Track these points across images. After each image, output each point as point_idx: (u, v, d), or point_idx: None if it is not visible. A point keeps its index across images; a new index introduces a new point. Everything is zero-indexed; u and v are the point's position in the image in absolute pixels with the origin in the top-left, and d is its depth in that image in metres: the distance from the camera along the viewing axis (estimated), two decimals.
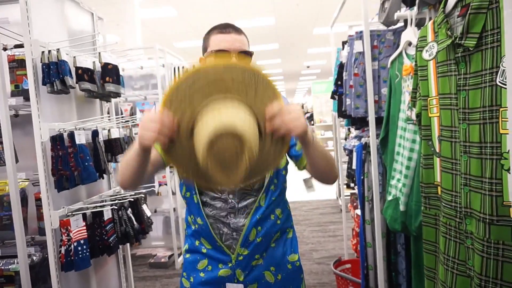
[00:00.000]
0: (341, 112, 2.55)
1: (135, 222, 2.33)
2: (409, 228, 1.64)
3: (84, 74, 2.09)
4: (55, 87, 1.92)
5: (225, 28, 1.20)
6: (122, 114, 3.55)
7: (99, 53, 2.27)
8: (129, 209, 2.34)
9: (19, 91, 2.01)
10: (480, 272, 1.05)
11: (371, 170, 2.06)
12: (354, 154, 2.31)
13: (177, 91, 0.86)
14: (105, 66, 2.24)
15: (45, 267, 1.99)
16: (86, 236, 2.04)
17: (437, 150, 1.27)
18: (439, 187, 1.27)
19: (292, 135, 0.93)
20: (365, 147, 2.18)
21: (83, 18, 2.44)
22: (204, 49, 1.24)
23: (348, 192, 4.48)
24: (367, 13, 1.94)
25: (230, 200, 1.19)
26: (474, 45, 1.05)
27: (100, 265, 2.40)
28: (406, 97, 1.68)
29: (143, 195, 2.49)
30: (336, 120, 3.77)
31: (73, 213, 2.04)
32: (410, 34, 1.68)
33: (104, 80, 2.23)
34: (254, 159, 0.84)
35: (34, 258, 2.01)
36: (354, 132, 3.25)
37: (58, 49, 1.96)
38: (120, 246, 2.47)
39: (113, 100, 2.56)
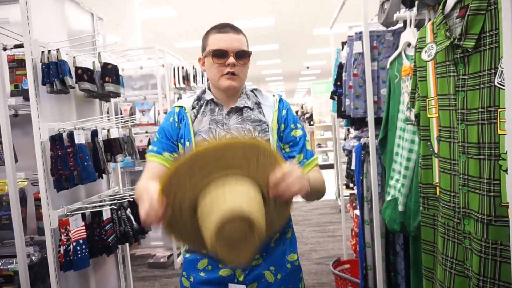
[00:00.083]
0: (341, 113, 2.55)
1: (134, 222, 2.33)
2: (407, 228, 1.65)
3: (83, 74, 2.09)
4: (54, 87, 1.92)
5: (224, 27, 1.20)
6: (121, 114, 3.55)
7: (99, 53, 2.28)
8: (128, 209, 2.34)
9: (19, 91, 2.01)
10: (478, 272, 1.05)
11: (370, 170, 2.06)
12: (353, 154, 2.31)
13: (176, 174, 0.84)
14: (104, 66, 2.24)
15: (44, 267, 1.99)
16: (85, 236, 2.04)
17: (436, 151, 1.27)
18: (437, 188, 1.27)
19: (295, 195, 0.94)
20: (364, 147, 2.18)
21: (83, 18, 2.45)
22: (203, 48, 1.25)
23: (347, 192, 4.49)
24: (367, 14, 1.95)
25: None
26: (473, 46, 1.05)
27: (99, 265, 2.40)
28: (405, 98, 1.68)
29: None
30: (335, 120, 3.77)
31: (72, 213, 2.04)
32: (410, 35, 1.69)
33: (103, 80, 2.23)
34: (264, 236, 0.83)
35: (33, 258, 2.01)
36: (353, 132, 3.25)
37: (58, 49, 1.96)
38: (119, 246, 2.47)
39: (112, 100, 2.56)
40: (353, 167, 2.39)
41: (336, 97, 2.69)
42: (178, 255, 3.72)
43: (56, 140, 1.94)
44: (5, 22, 2.09)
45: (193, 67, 4.07)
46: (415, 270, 1.66)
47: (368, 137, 2.05)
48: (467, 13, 1.06)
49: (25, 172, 2.09)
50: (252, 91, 1.31)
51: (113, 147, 2.33)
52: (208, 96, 1.27)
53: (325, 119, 8.68)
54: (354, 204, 3.52)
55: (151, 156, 1.24)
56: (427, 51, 1.28)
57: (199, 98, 1.30)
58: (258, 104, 1.28)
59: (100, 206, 2.21)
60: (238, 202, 0.81)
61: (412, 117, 1.47)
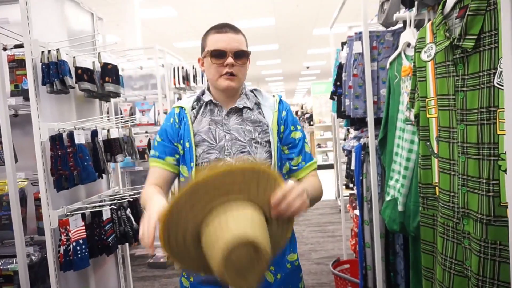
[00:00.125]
0: (340, 113, 2.55)
1: (134, 222, 2.34)
2: (407, 228, 1.65)
3: (83, 74, 2.10)
4: (54, 87, 1.92)
5: (222, 28, 1.20)
6: (121, 114, 3.56)
7: (99, 53, 2.28)
8: (128, 209, 2.34)
9: (19, 91, 2.01)
10: (477, 272, 1.05)
11: (369, 170, 2.06)
12: (353, 154, 2.31)
13: (176, 208, 0.83)
14: (104, 66, 2.24)
15: (44, 267, 1.99)
16: (85, 236, 2.04)
17: (435, 151, 1.27)
18: (437, 188, 1.28)
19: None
20: (364, 147, 2.19)
21: (83, 18, 2.45)
22: (202, 49, 1.25)
23: (347, 192, 4.48)
24: (367, 14, 1.95)
25: None
26: (472, 46, 1.06)
27: (99, 265, 2.40)
28: (404, 98, 1.68)
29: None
30: (335, 120, 3.77)
31: (72, 213, 2.04)
32: (409, 35, 1.69)
33: (103, 80, 2.23)
34: (270, 259, 0.84)
35: (33, 258, 2.01)
36: (353, 132, 3.25)
37: (58, 49, 1.96)
38: (119, 246, 2.47)
39: (112, 100, 2.56)
40: (352, 167, 2.40)
41: (335, 97, 2.69)
42: None
43: (56, 140, 1.94)
44: (5, 22, 2.09)
45: (193, 67, 4.07)
46: (415, 270, 1.66)
47: (367, 137, 2.05)
48: (467, 13, 1.06)
49: (25, 172, 2.09)
50: (252, 91, 1.31)
51: (113, 147, 2.33)
52: (207, 97, 1.27)
53: (325, 119, 8.69)
54: (354, 204, 3.53)
55: (153, 161, 1.25)
56: (427, 51, 1.28)
57: (198, 99, 1.30)
58: (257, 105, 1.28)
59: (100, 206, 2.21)
60: (242, 228, 0.81)
61: (412, 117, 1.47)
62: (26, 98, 1.93)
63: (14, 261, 1.97)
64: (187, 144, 1.21)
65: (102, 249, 2.16)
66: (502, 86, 0.99)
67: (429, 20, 1.60)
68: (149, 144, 3.65)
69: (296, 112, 14.49)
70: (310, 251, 3.90)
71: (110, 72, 2.25)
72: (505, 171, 0.99)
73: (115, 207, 2.25)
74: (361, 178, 2.19)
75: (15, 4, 1.88)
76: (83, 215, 2.08)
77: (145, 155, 3.62)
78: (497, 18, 1.00)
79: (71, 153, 1.96)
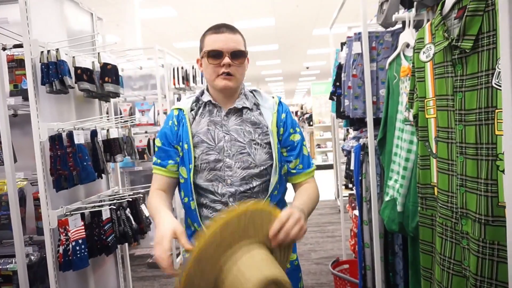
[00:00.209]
0: (340, 113, 2.55)
1: (133, 222, 2.34)
2: (406, 228, 1.65)
3: (83, 74, 2.10)
4: (54, 87, 1.92)
5: (219, 28, 1.21)
6: (121, 114, 3.56)
7: (98, 53, 2.28)
8: (128, 209, 2.34)
9: (18, 91, 2.01)
10: (476, 272, 1.05)
11: (369, 171, 2.07)
12: (353, 155, 2.31)
13: (188, 279, 0.86)
14: (104, 66, 2.24)
15: (43, 266, 1.99)
16: (84, 235, 2.04)
17: (434, 151, 1.27)
18: (435, 188, 1.28)
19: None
20: (363, 148, 2.19)
21: (82, 18, 2.45)
22: (200, 50, 1.25)
23: (346, 192, 4.48)
24: (366, 14, 1.95)
25: (230, 204, 1.19)
26: (471, 47, 1.06)
27: (98, 265, 2.40)
28: (404, 98, 1.68)
29: (141, 195, 2.49)
30: (334, 121, 3.78)
31: (72, 212, 2.04)
32: (408, 36, 1.69)
33: (103, 80, 2.23)
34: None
35: (32, 257, 2.01)
36: (352, 133, 3.25)
37: (57, 49, 1.96)
38: (119, 246, 2.47)
39: (112, 100, 2.56)
40: (352, 167, 2.40)
41: (335, 98, 2.69)
42: (178, 255, 3.72)
43: (55, 140, 1.94)
44: (5, 22, 2.09)
45: (193, 68, 4.08)
46: (414, 270, 1.66)
47: (367, 137, 2.06)
48: (465, 14, 1.07)
49: (24, 172, 2.09)
50: (251, 92, 1.31)
51: (113, 147, 2.33)
52: (206, 97, 1.27)
53: (325, 119, 8.69)
54: (353, 205, 3.53)
55: (155, 169, 1.28)
56: (426, 52, 1.28)
57: (197, 100, 1.30)
58: (257, 105, 1.28)
59: (99, 206, 2.21)
60: (259, 271, 0.85)
61: (411, 118, 1.47)
62: (26, 98, 1.93)
63: (13, 261, 1.97)
64: (185, 146, 1.22)
65: (101, 249, 2.16)
66: (500, 86, 0.99)
67: (428, 20, 1.60)
68: (148, 144, 3.65)
69: (296, 113, 14.49)
70: (310, 251, 3.90)
71: (109, 72, 2.25)
72: (503, 171, 0.99)
73: (115, 207, 2.25)
74: (360, 178, 2.19)
75: (15, 4, 1.88)
76: (82, 215, 2.08)
77: (145, 155, 3.62)
78: (495, 19, 1.00)
79: (70, 153, 1.97)
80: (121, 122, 2.69)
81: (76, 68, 2.09)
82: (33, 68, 1.88)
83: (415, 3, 1.63)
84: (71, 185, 1.96)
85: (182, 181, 1.24)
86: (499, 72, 0.99)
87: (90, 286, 2.31)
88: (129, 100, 3.90)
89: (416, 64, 1.35)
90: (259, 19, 7.27)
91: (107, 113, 2.61)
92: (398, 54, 1.76)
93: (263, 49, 9.85)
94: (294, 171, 1.27)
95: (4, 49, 2.02)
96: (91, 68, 2.16)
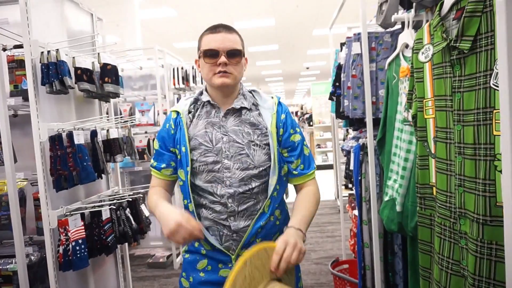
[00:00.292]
0: (339, 113, 2.56)
1: (133, 222, 2.34)
2: (405, 228, 1.65)
3: (83, 74, 2.10)
4: (54, 87, 1.93)
5: (216, 28, 1.21)
6: (121, 114, 3.56)
7: (98, 53, 2.28)
8: (127, 209, 2.35)
9: (18, 91, 2.02)
10: (474, 272, 1.06)
11: (368, 171, 2.07)
12: (352, 155, 2.32)
13: None
14: (104, 66, 2.25)
15: (43, 267, 2.00)
16: (84, 235, 2.04)
17: (432, 151, 1.28)
18: (434, 188, 1.28)
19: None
20: (363, 148, 2.19)
21: (82, 19, 2.45)
22: (198, 50, 1.26)
23: (346, 192, 4.49)
24: (365, 15, 1.95)
25: (229, 205, 1.19)
26: (469, 47, 1.06)
27: (98, 265, 2.40)
28: (403, 99, 1.69)
29: (141, 195, 2.50)
30: (334, 121, 3.78)
31: (72, 212, 2.04)
32: (407, 36, 1.70)
33: (103, 81, 2.24)
34: None
35: (32, 258, 2.01)
36: (352, 133, 3.26)
37: (57, 49, 1.97)
38: (119, 246, 2.47)
39: (112, 100, 2.57)
40: (351, 167, 2.40)
41: (334, 98, 2.69)
42: (177, 255, 3.72)
43: (55, 140, 1.95)
44: (5, 22, 2.09)
45: (193, 68, 4.08)
46: (413, 270, 1.66)
47: (366, 137, 2.06)
48: (463, 15, 1.07)
49: (25, 172, 2.10)
50: (250, 92, 1.31)
51: (113, 147, 2.34)
52: (205, 97, 1.27)
53: (325, 119, 8.69)
54: (353, 205, 3.53)
55: (152, 170, 1.33)
56: (424, 52, 1.29)
57: (196, 101, 1.30)
58: (256, 106, 1.28)
59: (99, 206, 2.22)
60: None
61: (410, 118, 1.47)
62: (26, 99, 1.93)
63: (13, 261, 1.98)
64: (183, 149, 1.23)
65: (101, 249, 2.17)
66: (498, 87, 0.99)
67: (427, 21, 1.61)
68: (148, 144, 3.66)
69: (296, 113, 14.50)
70: (309, 251, 3.91)
71: (109, 73, 2.25)
72: (501, 171, 0.99)
73: (115, 207, 2.25)
74: (359, 178, 2.19)
75: (15, 5, 1.89)
76: (82, 215, 2.09)
77: (145, 155, 3.63)
78: (493, 19, 1.01)
79: (70, 153, 1.97)
80: (121, 122, 2.69)
81: (76, 69, 2.09)
82: (33, 69, 1.89)
83: (414, 4, 1.64)
84: (71, 185, 1.96)
85: (181, 183, 1.26)
86: (497, 73, 0.99)
87: (90, 286, 2.31)
88: (129, 100, 3.91)
89: (415, 64, 1.35)
90: (259, 19, 7.27)
91: (107, 113, 2.61)
92: (397, 55, 1.76)
93: (263, 49, 9.86)
94: (295, 172, 1.27)
95: (4, 49, 2.02)
96: (91, 68, 2.17)
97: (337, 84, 2.60)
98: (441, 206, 1.22)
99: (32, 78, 1.88)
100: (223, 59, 1.18)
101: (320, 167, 7.82)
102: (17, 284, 1.91)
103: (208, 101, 1.26)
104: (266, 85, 19.75)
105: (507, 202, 0.71)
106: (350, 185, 4.52)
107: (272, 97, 1.31)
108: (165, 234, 1.07)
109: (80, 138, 2.03)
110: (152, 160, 1.33)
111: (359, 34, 2.14)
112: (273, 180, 1.21)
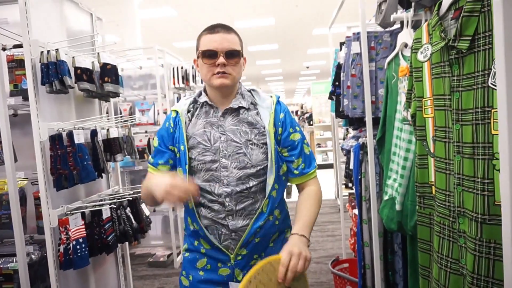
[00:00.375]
0: (339, 113, 2.56)
1: (133, 221, 2.35)
2: (404, 227, 1.66)
3: (83, 74, 2.10)
4: (54, 87, 1.93)
5: (214, 28, 1.21)
6: (121, 113, 3.57)
7: (98, 53, 2.29)
8: (128, 208, 2.35)
9: (18, 91, 2.02)
10: (472, 271, 1.06)
11: (368, 170, 2.07)
12: (352, 154, 2.32)
13: None
14: (104, 66, 2.25)
15: (44, 265, 2.00)
16: (84, 234, 2.05)
17: (431, 150, 1.28)
18: (433, 187, 1.29)
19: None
20: (363, 147, 2.19)
21: (82, 19, 2.46)
22: (196, 50, 1.26)
23: (346, 192, 4.50)
24: (365, 14, 1.96)
25: (227, 203, 1.20)
26: (467, 47, 1.06)
27: (98, 263, 2.41)
28: (402, 98, 1.69)
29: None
30: (334, 120, 3.78)
31: (72, 212, 2.05)
32: (406, 36, 1.70)
33: (103, 80, 2.24)
34: None
35: (33, 256, 2.02)
36: (352, 132, 3.26)
37: (57, 49, 1.97)
38: (119, 245, 2.48)
39: (112, 100, 2.57)
40: (351, 166, 2.40)
41: (334, 97, 2.70)
42: (178, 254, 3.73)
43: (55, 139, 1.95)
44: (4, 22, 2.10)
45: (192, 67, 4.09)
46: (413, 269, 1.66)
47: (366, 137, 2.06)
48: (461, 14, 1.07)
49: (25, 172, 2.10)
50: (249, 91, 1.32)
51: (113, 146, 2.34)
52: (203, 98, 1.28)
53: (325, 119, 8.70)
54: (353, 204, 3.54)
55: (149, 168, 1.33)
56: (423, 52, 1.29)
57: (195, 101, 1.31)
58: (254, 105, 1.28)
59: (99, 205, 2.22)
60: None
61: (409, 117, 1.48)
62: (26, 98, 1.94)
63: (14, 260, 1.98)
64: (182, 148, 1.23)
65: (102, 248, 2.17)
66: (496, 86, 0.99)
67: (426, 20, 1.61)
68: (148, 143, 3.66)
69: (296, 112, 14.50)
70: (310, 250, 3.90)
71: (109, 72, 2.25)
72: (499, 170, 0.99)
73: (115, 206, 2.26)
74: (359, 177, 2.20)
75: (14, 5, 1.89)
76: (82, 214, 2.09)
77: (145, 155, 3.63)
78: (491, 19, 1.01)
79: (70, 153, 1.97)
80: (121, 121, 2.70)
81: (76, 68, 2.10)
82: (33, 68, 1.89)
83: (413, 3, 1.64)
84: (71, 184, 1.97)
85: None
86: (495, 72, 1.00)
87: (90, 285, 2.32)
88: (129, 100, 3.91)
89: (413, 64, 1.36)
90: (259, 18, 7.27)
91: (107, 112, 2.62)
92: (397, 54, 1.77)
93: (263, 49, 9.86)
94: (297, 171, 1.27)
95: (4, 49, 2.03)
96: (91, 68, 2.17)
97: (337, 83, 2.61)
98: (440, 205, 1.23)
99: (32, 78, 1.89)
100: (221, 60, 1.18)
101: (320, 166, 7.80)
102: (17, 282, 1.92)
103: (206, 102, 1.27)
104: (266, 85, 19.75)
105: (505, 201, 0.72)
106: (350, 184, 4.53)
107: (271, 96, 1.31)
108: (160, 197, 1.07)
109: (80, 138, 2.03)
110: (150, 157, 1.34)
111: (358, 33, 2.14)
112: (270, 179, 1.21)
